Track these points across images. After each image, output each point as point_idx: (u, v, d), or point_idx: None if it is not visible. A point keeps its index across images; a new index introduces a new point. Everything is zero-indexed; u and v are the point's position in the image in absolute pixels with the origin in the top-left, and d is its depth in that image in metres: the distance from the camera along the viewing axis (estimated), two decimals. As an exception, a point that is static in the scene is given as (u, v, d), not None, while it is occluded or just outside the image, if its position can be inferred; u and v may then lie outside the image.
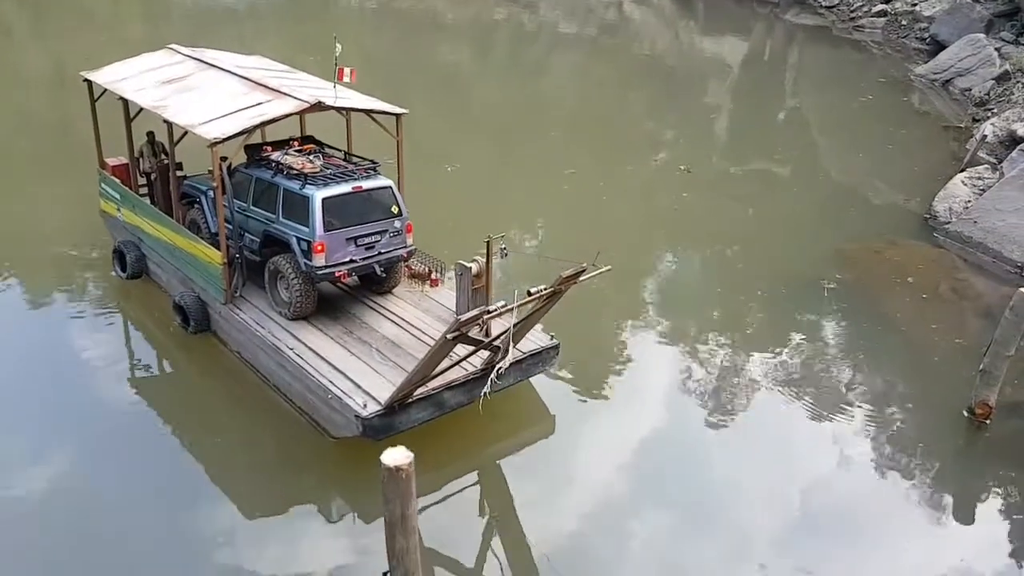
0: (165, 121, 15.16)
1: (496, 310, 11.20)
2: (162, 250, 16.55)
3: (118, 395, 14.82)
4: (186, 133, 15.17)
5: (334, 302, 15.17)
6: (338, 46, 14.73)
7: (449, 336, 10.80)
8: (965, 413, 14.84)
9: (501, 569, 11.88)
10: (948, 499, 13.61)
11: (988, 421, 14.64)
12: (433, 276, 15.94)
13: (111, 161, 18.07)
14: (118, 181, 17.68)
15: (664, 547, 12.37)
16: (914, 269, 19.82)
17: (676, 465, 14.00)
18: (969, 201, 22.23)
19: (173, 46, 18.07)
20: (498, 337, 12.29)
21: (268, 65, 18.15)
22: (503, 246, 13.75)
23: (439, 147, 26.31)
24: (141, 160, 17.81)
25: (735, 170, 26.69)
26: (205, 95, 15.60)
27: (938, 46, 36.87)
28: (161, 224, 16.37)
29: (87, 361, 15.66)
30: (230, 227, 14.78)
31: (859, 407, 15.42)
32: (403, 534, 8.88)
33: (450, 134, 29.00)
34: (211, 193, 15.59)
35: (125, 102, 16.52)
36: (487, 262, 13.85)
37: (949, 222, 21.77)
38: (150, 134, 17.72)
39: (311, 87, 16.13)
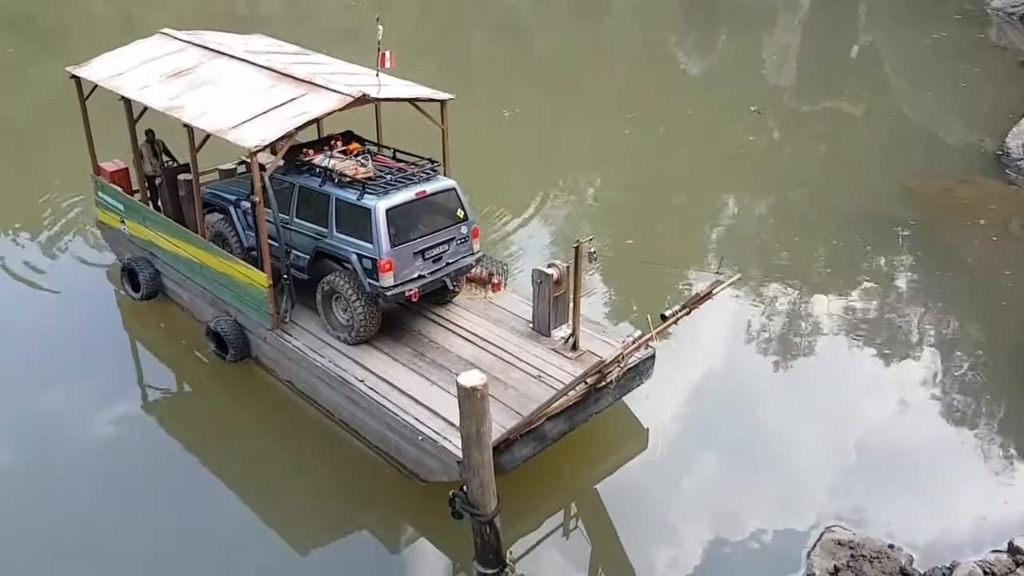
0: (185, 125, 13.14)
1: (636, 342, 9.68)
2: (183, 268, 14.67)
3: (152, 433, 13.32)
4: (208, 137, 13.25)
5: (392, 318, 13.50)
6: (380, 28, 12.84)
7: (590, 380, 9.30)
8: None
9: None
10: (1010, 435, 13.27)
11: None
12: (495, 280, 14.34)
13: (107, 166, 16.06)
14: (120, 189, 15.66)
15: (726, 491, 12.13)
16: (985, 209, 19.32)
17: (745, 415, 13.60)
18: None
19: (167, 31, 15.94)
20: (616, 363, 10.78)
21: (278, 47, 16.16)
22: (592, 250, 12.15)
23: (497, 91, 25.99)
24: (141, 163, 15.78)
25: (806, 109, 26.21)
26: (224, 91, 13.63)
27: (1017, -23, 35.47)
28: (181, 239, 14.46)
29: (110, 397, 13.93)
30: (272, 243, 12.96)
31: (925, 352, 15.25)
32: (478, 449, 9.46)
33: (509, 77, 28.56)
34: (244, 203, 13.72)
35: (127, 102, 14.44)
36: (575, 268, 12.25)
37: (1022, 159, 21.25)
38: (149, 132, 15.75)
39: (342, 73, 14.26)
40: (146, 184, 15.87)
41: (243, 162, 16.21)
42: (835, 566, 10.50)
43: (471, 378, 9.18)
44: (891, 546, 10.82)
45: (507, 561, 10.51)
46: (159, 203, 15.93)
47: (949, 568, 10.40)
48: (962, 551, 10.91)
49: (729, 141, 23.60)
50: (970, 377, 14.63)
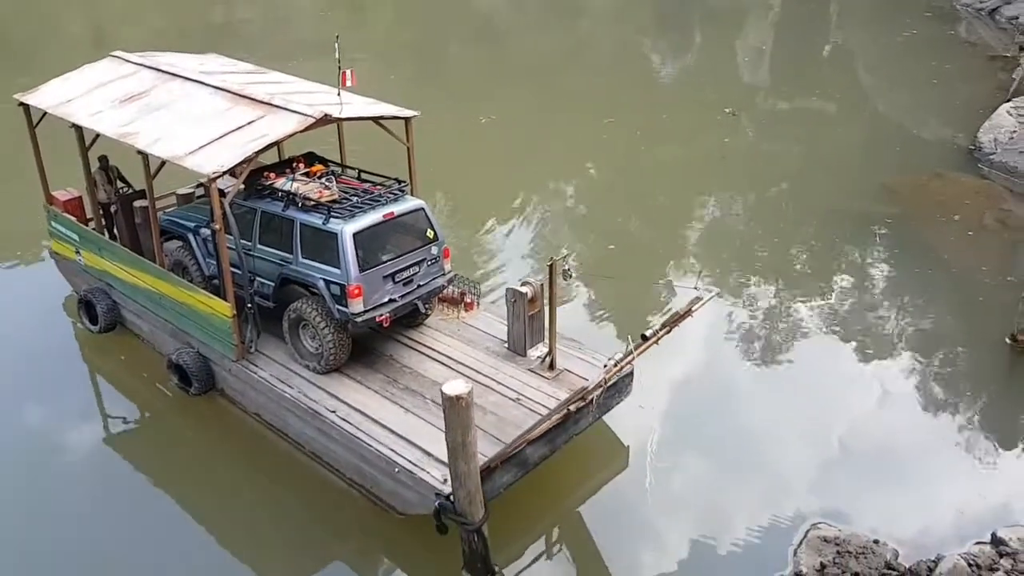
0: (140, 152, 12.64)
1: (619, 365, 9.38)
2: (142, 299, 14.14)
3: (114, 468, 12.80)
4: (164, 164, 12.77)
5: (363, 343, 13.05)
6: (337, 46, 12.47)
7: (573, 408, 8.97)
8: (1008, 340, 14.71)
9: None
10: (990, 426, 13.33)
11: None
12: (467, 299, 13.97)
13: (59, 195, 15.50)
14: (74, 219, 15.11)
15: (711, 493, 12.04)
16: (960, 204, 19.46)
17: (727, 416, 13.51)
18: (1015, 131, 21.93)
19: (118, 53, 15.42)
20: (599, 388, 10.47)
21: (233, 67, 15.72)
22: (566, 266, 11.87)
23: (474, 97, 25.92)
24: (95, 190, 15.21)
25: (781, 109, 26.45)
26: (180, 115, 13.15)
27: (984, -27, 35.93)
28: (139, 269, 13.93)
29: (70, 433, 13.46)
30: (235, 271, 12.48)
31: (904, 349, 15.22)
32: (464, 459, 9.36)
33: (486, 83, 28.42)
34: (203, 230, 13.24)
35: (79, 129, 13.91)
36: (550, 286, 11.92)
37: (994, 153, 21.44)
38: (103, 159, 15.21)
39: (301, 92, 13.85)
40: (101, 212, 15.30)
41: (201, 185, 15.74)
42: (821, 563, 10.42)
43: (455, 387, 9.07)
44: (876, 541, 10.79)
45: (495, 570, 10.40)
46: (115, 231, 15.37)
47: (934, 561, 10.37)
48: (946, 544, 10.93)
49: (705, 143, 23.64)
50: (949, 372, 14.70)
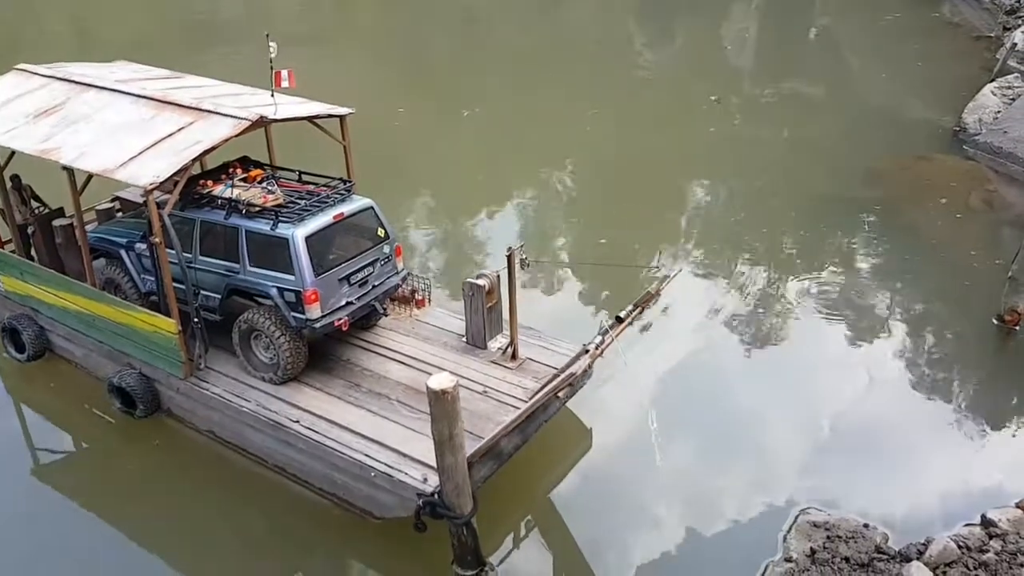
0: (65, 168, 11.95)
1: (601, 348, 9.32)
2: (74, 322, 13.40)
3: (58, 503, 12.10)
4: (91, 178, 12.16)
5: (317, 349, 12.62)
6: (272, 45, 12.03)
7: (562, 394, 8.88)
8: (994, 321, 14.80)
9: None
10: (979, 407, 13.38)
11: (1017, 327, 14.62)
12: (418, 297, 13.74)
13: (-31, 219, 14.53)
14: (-12, 244, 14.25)
15: (699, 480, 11.94)
16: (946, 186, 19.52)
17: (714, 396, 13.55)
18: (999, 111, 21.91)
19: (24, 66, 14.53)
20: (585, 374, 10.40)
21: (147, 72, 15.03)
22: (524, 256, 11.77)
23: (457, 90, 25.56)
24: (10, 212, 14.35)
25: (766, 96, 26.33)
26: (102, 126, 12.48)
27: (967, -48, 36.22)
28: (69, 291, 13.19)
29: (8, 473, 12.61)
30: (177, 285, 11.93)
31: (892, 333, 15.23)
32: (451, 451, 9.32)
33: (469, 75, 27.94)
34: (138, 245, 12.63)
35: (-9, 148, 13.09)
36: (510, 277, 11.79)
37: (979, 133, 21.43)
38: (14, 178, 14.35)
39: (227, 95, 13.34)
40: (18, 235, 14.45)
41: (116, 198, 15.10)
42: (811, 548, 10.38)
43: (441, 381, 8.97)
44: (866, 525, 10.76)
45: (486, 561, 10.29)
46: (32, 254, 14.55)
47: (924, 544, 10.31)
48: (936, 527, 10.89)
49: (691, 132, 23.64)
50: (936, 355, 14.75)
